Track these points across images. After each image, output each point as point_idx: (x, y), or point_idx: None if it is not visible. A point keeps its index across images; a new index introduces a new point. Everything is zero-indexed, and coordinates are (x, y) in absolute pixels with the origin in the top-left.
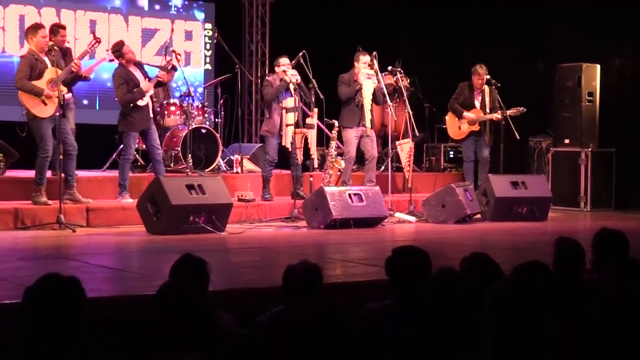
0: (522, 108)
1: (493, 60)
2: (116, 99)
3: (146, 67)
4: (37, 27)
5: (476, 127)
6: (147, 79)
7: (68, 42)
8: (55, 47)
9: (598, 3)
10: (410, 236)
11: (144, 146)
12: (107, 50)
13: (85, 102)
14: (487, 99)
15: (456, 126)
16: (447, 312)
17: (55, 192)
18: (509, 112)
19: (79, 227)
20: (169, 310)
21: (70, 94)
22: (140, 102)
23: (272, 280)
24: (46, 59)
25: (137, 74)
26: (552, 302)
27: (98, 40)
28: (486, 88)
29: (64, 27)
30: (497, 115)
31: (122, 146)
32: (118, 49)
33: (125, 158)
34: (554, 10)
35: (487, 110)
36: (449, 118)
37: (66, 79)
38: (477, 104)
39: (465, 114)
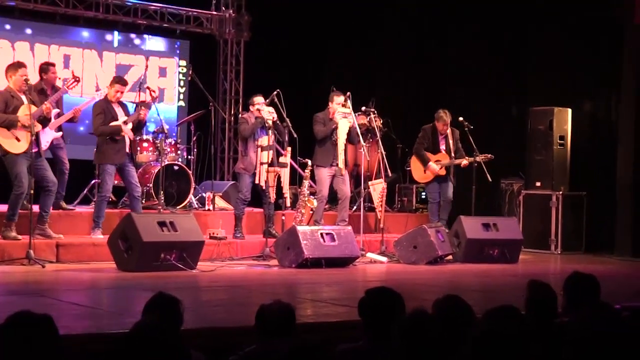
0: (491, 155)
1: (468, 102)
2: (93, 131)
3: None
4: (18, 65)
5: (442, 172)
6: (125, 113)
7: (59, 79)
8: (32, 85)
9: (571, 47)
10: (381, 277)
11: (121, 182)
12: (97, 90)
13: None
14: (450, 141)
15: (421, 169)
16: (421, 355)
17: (25, 227)
18: (478, 159)
19: (48, 263)
20: (143, 350)
21: (60, 133)
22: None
23: (243, 319)
24: (23, 97)
25: (119, 110)
26: (525, 346)
27: (77, 79)
28: (449, 133)
29: (53, 65)
30: (464, 162)
31: (98, 181)
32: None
33: (102, 195)
34: (529, 54)
35: (452, 154)
36: (414, 162)
37: (40, 117)
38: (442, 147)
39: (431, 164)
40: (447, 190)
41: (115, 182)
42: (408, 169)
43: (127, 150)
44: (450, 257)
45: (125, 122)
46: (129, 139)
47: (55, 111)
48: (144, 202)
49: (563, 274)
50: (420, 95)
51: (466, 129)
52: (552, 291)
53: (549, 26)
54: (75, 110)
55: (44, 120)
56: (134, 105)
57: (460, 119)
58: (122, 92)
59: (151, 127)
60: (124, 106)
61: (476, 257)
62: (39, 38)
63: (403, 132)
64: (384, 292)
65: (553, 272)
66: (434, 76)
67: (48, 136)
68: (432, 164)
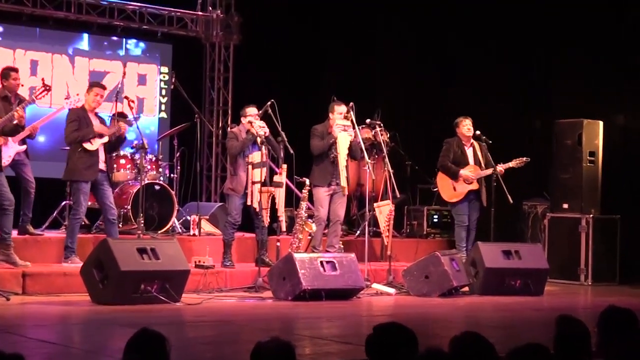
0: (526, 158)
1: (483, 113)
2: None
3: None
4: None
5: (475, 186)
6: (102, 124)
7: (22, 85)
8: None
9: (601, 55)
10: (389, 310)
11: (95, 203)
12: (66, 99)
13: None
14: (479, 153)
15: (450, 187)
16: None
17: None
18: (511, 164)
19: (13, 295)
20: None
21: (24, 147)
22: (88, 146)
23: (235, 359)
24: None
25: (95, 122)
26: None
27: (47, 89)
28: (475, 143)
29: (16, 70)
30: (500, 168)
31: (70, 202)
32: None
33: (75, 217)
34: (553, 62)
35: (483, 165)
36: (440, 179)
37: (5, 127)
38: (471, 160)
39: (462, 172)
40: (475, 212)
41: (89, 203)
42: (435, 189)
43: (103, 167)
44: (466, 288)
45: (100, 135)
46: (103, 152)
47: None
48: (121, 226)
49: (595, 307)
50: (430, 105)
51: (483, 143)
52: (585, 327)
53: (575, 31)
54: (32, 127)
55: (14, 130)
56: (110, 117)
57: (477, 133)
58: (102, 97)
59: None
60: (101, 119)
61: (496, 289)
62: (2, 41)
63: (411, 147)
64: (393, 329)
65: (583, 306)
66: (444, 84)
67: (11, 150)
68: (464, 172)
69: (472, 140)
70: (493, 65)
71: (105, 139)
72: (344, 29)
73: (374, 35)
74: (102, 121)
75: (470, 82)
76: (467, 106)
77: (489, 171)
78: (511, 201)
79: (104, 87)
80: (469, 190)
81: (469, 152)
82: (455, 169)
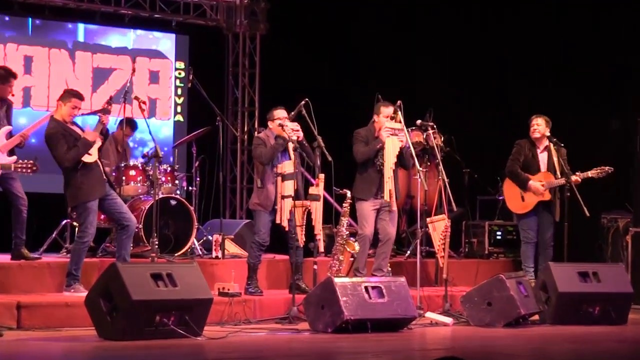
0: (608, 167)
1: (555, 113)
2: (57, 162)
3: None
4: None
5: (546, 196)
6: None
7: (13, 95)
8: None
9: None
10: (446, 343)
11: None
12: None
13: None
14: (554, 159)
15: (518, 196)
16: None
17: None
18: (590, 174)
19: (7, 330)
20: None
21: (13, 158)
22: (87, 159)
23: None
24: None
25: (77, 130)
26: None
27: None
28: (552, 147)
29: (15, 76)
30: (576, 177)
31: (71, 221)
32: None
33: (82, 240)
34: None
35: (558, 174)
36: (507, 187)
37: None
38: (543, 166)
39: (531, 182)
40: (547, 227)
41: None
42: (500, 197)
43: (103, 174)
44: (536, 317)
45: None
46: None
47: (6, 128)
48: (131, 247)
49: None
50: (492, 102)
51: (555, 147)
52: None
53: None
54: (22, 135)
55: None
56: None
57: (548, 134)
58: (79, 109)
59: (140, 150)
60: (76, 125)
61: (571, 317)
62: None
63: (469, 152)
64: None
65: None
66: (505, 78)
67: None
68: (533, 183)
69: (546, 143)
70: (564, 55)
71: (99, 143)
72: (388, 11)
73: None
74: (78, 127)
75: (536, 76)
76: (535, 103)
77: (562, 181)
78: (588, 214)
79: (83, 99)
80: (538, 202)
81: (542, 157)
82: (525, 178)
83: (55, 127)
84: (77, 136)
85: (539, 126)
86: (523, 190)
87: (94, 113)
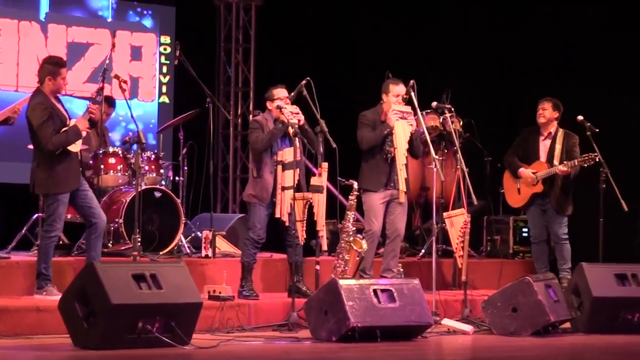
0: (595, 154)
1: (588, 94)
2: (37, 141)
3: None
4: None
5: (538, 188)
6: (67, 116)
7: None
8: None
9: None
10: (466, 354)
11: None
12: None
13: None
14: (557, 146)
15: (515, 188)
16: None
17: None
18: (577, 162)
19: None
20: None
21: None
22: (73, 148)
23: None
24: None
25: (60, 107)
26: None
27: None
28: (560, 134)
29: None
30: (561, 167)
31: (43, 215)
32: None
33: (49, 235)
34: None
35: (557, 162)
36: (506, 179)
37: None
38: (543, 155)
39: (522, 170)
40: (552, 221)
41: (69, 215)
42: (502, 191)
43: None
44: (567, 324)
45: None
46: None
47: None
48: (110, 245)
49: None
50: (515, 85)
51: (588, 132)
52: None
53: None
54: (14, 107)
55: None
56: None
57: (580, 118)
58: (65, 79)
59: (119, 134)
60: (61, 103)
61: (607, 325)
62: None
63: (491, 138)
64: None
65: None
66: (531, 53)
67: None
68: (524, 170)
69: (552, 130)
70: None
71: (85, 133)
72: None
73: None
74: (62, 107)
75: (566, 52)
76: (564, 85)
77: (553, 170)
78: (626, 209)
79: (66, 65)
80: (533, 194)
81: (544, 144)
82: (517, 166)
83: (44, 103)
84: (63, 118)
85: (545, 110)
86: (516, 178)
87: (83, 99)
